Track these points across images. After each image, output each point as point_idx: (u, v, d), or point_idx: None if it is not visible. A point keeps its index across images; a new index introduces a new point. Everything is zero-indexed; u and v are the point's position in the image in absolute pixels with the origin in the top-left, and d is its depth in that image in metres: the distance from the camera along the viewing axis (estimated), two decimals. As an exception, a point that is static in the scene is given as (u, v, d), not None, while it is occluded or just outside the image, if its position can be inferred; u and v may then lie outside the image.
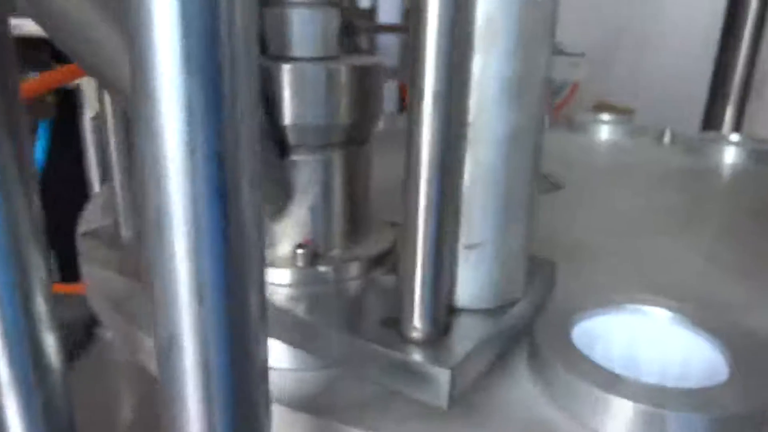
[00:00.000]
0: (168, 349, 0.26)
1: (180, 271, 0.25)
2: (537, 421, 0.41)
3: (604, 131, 1.29)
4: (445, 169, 0.37)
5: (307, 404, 0.42)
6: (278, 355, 0.44)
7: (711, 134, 1.27)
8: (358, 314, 0.43)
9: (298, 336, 0.42)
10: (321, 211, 0.46)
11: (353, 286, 0.46)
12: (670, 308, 0.49)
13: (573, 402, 0.40)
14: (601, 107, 1.43)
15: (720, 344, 0.45)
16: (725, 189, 1.04)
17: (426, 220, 0.37)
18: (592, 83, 1.44)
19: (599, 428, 0.40)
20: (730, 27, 1.42)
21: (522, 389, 0.43)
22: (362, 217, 0.49)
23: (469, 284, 0.42)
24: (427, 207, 0.37)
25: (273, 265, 0.46)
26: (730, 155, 1.13)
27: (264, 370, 0.29)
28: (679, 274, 0.65)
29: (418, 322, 0.39)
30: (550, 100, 1.35)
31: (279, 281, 0.45)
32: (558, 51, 1.34)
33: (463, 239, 0.41)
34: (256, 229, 0.26)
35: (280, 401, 0.42)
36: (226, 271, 0.25)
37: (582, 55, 1.30)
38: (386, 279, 0.46)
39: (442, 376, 0.37)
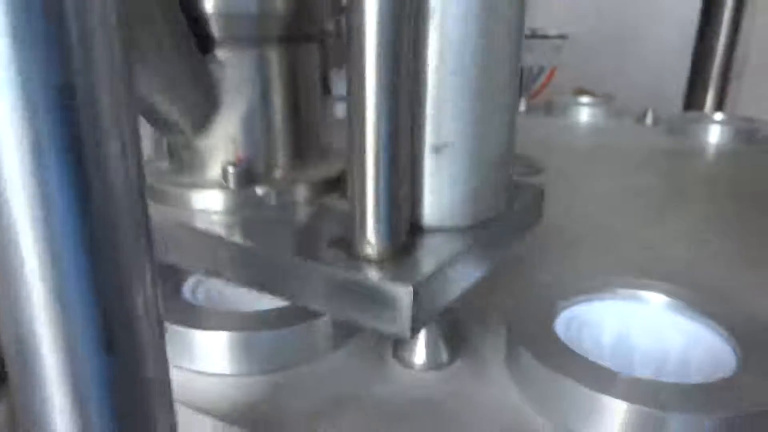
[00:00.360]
0: (17, 355, 0.18)
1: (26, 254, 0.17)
2: (512, 427, 0.33)
3: (584, 114, 1.22)
4: (396, 42, 0.29)
5: (245, 416, 0.34)
6: (209, 357, 0.36)
7: (694, 114, 1.21)
8: (304, 238, 0.35)
9: (231, 265, 0.34)
10: (256, 123, 0.38)
11: (300, 211, 0.38)
12: (667, 293, 0.41)
13: (557, 404, 0.33)
14: (579, 94, 1.37)
15: (726, 333, 0.38)
16: (711, 169, 0.98)
17: (377, 109, 0.29)
18: (571, 71, 1.38)
19: (584, 431, 0.32)
20: (709, 11, 1.37)
21: (499, 391, 0.36)
22: (310, 133, 0.41)
23: (438, 197, 0.34)
24: (378, 91, 0.29)
25: (203, 187, 0.37)
26: (714, 135, 1.07)
27: (160, 379, 0.22)
28: (670, 257, 0.58)
29: (372, 236, 0.30)
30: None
31: (211, 206, 0.37)
32: (540, 35, 1.28)
33: (430, 138, 0.33)
34: (133, 194, 0.18)
35: (213, 412, 0.34)
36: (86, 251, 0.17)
37: (564, 37, 1.24)
38: (339, 203, 0.38)
39: (403, 295, 0.29)
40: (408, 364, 0.38)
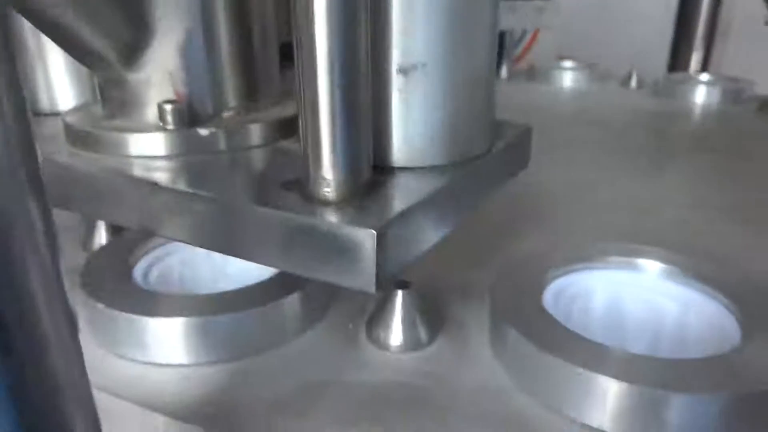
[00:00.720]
0: None
1: None
2: (502, 414, 0.30)
3: (568, 79, 1.17)
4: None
5: (200, 411, 0.30)
6: (162, 347, 0.33)
7: (679, 75, 1.16)
8: (254, 182, 0.29)
9: (169, 217, 0.28)
10: (197, 53, 0.32)
11: (251, 155, 0.32)
12: (662, 259, 0.38)
13: (547, 385, 0.30)
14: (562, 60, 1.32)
15: (727, 301, 0.35)
16: (699, 130, 0.94)
17: (328, 16, 0.23)
18: (553, 35, 1.33)
19: (578, 417, 0.29)
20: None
21: (484, 372, 0.32)
22: (265, 70, 0.35)
23: (408, 131, 0.29)
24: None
25: (140, 130, 0.32)
26: (700, 95, 1.02)
27: (73, 382, 0.17)
28: (662, 220, 0.54)
29: (328, 173, 0.25)
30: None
31: (149, 151, 0.31)
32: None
33: (396, 58, 0.27)
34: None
35: (165, 409, 0.30)
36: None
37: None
38: (296, 146, 0.32)
39: (365, 239, 0.23)
40: (383, 346, 0.34)
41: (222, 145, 0.32)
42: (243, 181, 0.29)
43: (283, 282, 0.34)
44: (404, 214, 0.25)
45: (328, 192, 0.25)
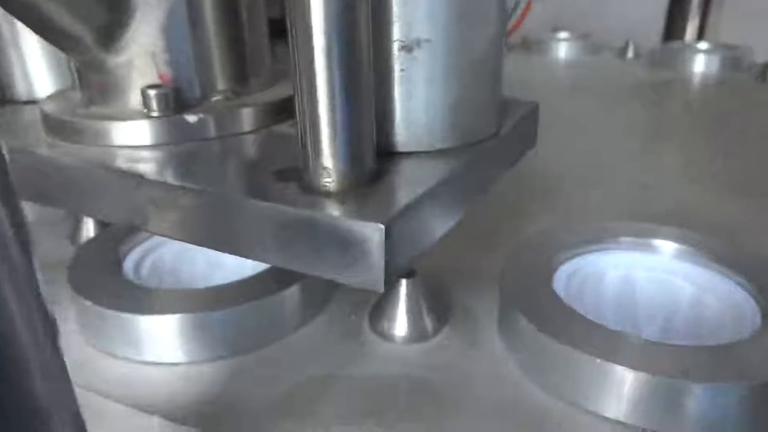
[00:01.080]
0: None
1: None
2: (513, 407, 0.28)
3: (562, 50, 1.14)
4: None
5: (197, 412, 0.28)
6: (157, 345, 0.31)
7: (676, 44, 1.13)
8: (247, 172, 0.27)
9: (156, 211, 0.26)
10: (181, 32, 0.29)
11: (244, 142, 0.30)
12: (677, 239, 0.36)
13: (559, 375, 0.28)
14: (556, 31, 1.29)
15: (745, 282, 0.33)
16: (699, 99, 0.91)
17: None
18: (547, 6, 1.29)
19: (594, 408, 0.27)
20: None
21: (493, 362, 0.31)
22: (256, 50, 0.32)
23: (413, 113, 0.26)
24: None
25: (122, 118, 0.29)
26: (699, 64, 0.99)
27: (56, 399, 0.15)
28: (671, 196, 0.51)
29: (328, 161, 0.23)
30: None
31: (132, 140, 0.29)
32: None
33: (399, 34, 0.25)
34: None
35: (161, 410, 0.28)
36: None
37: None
38: (292, 130, 0.30)
39: (372, 234, 0.21)
40: (388, 337, 0.32)
41: (212, 131, 0.29)
42: (235, 171, 0.27)
43: (281, 273, 0.32)
44: (412, 205, 0.23)
45: (328, 182, 0.23)
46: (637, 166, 0.59)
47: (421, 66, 0.25)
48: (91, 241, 0.39)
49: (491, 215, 0.45)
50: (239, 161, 0.28)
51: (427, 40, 0.25)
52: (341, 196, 0.23)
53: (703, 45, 1.05)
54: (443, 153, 0.27)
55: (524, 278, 0.32)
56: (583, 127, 0.74)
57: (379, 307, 0.33)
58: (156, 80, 0.29)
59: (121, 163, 0.27)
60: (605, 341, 0.27)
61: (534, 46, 1.15)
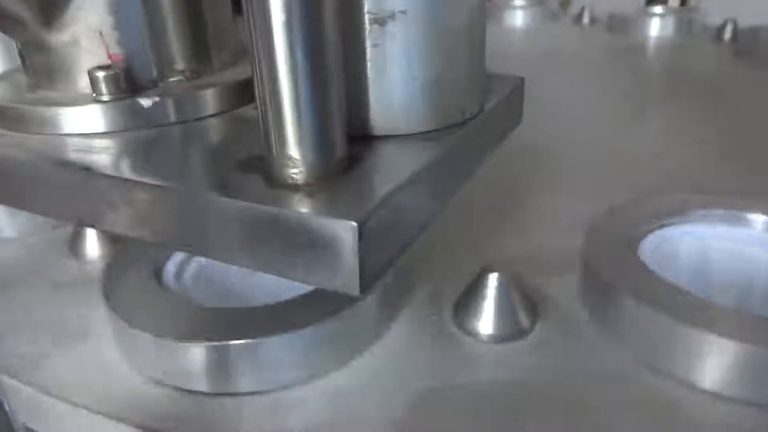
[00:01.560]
0: None
1: None
2: (639, 397, 0.26)
3: (518, 17, 1.10)
4: None
5: None
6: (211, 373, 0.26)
7: (632, 9, 1.10)
8: (207, 162, 0.24)
9: (106, 208, 0.23)
10: (131, 5, 0.26)
11: (205, 126, 0.27)
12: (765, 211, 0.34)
13: (676, 356, 0.26)
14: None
15: None
16: (666, 62, 0.89)
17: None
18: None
19: (693, 379, 0.26)
20: None
21: (598, 350, 0.28)
22: (219, 25, 0.29)
23: (389, 92, 0.23)
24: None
25: (68, 103, 0.26)
26: (655, 28, 0.98)
27: None
28: (689, 164, 0.49)
29: (295, 151, 0.20)
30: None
31: (81, 128, 0.26)
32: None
33: (371, 6, 0.22)
34: None
35: None
36: None
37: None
38: (256, 113, 0.27)
39: (343, 233, 0.18)
40: (482, 338, 0.29)
41: (169, 116, 0.26)
42: (194, 162, 0.24)
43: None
44: (390, 197, 0.20)
45: (295, 174, 0.20)
46: (635, 133, 0.57)
47: (397, 41, 0.22)
48: (124, 248, 0.34)
49: (513, 195, 0.43)
50: (199, 150, 0.25)
51: (402, 12, 0.22)
52: (309, 189, 0.20)
53: (657, 9, 1.02)
54: (424, 136, 0.24)
55: (609, 256, 0.30)
56: (562, 98, 0.71)
57: (466, 304, 0.30)
58: (105, 61, 0.26)
59: (67, 153, 0.24)
60: (699, 311, 0.26)
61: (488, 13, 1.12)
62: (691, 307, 0.26)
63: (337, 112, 0.20)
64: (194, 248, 0.22)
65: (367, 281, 0.19)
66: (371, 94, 0.23)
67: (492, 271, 0.29)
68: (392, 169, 0.21)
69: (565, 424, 0.25)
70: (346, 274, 0.19)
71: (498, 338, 0.29)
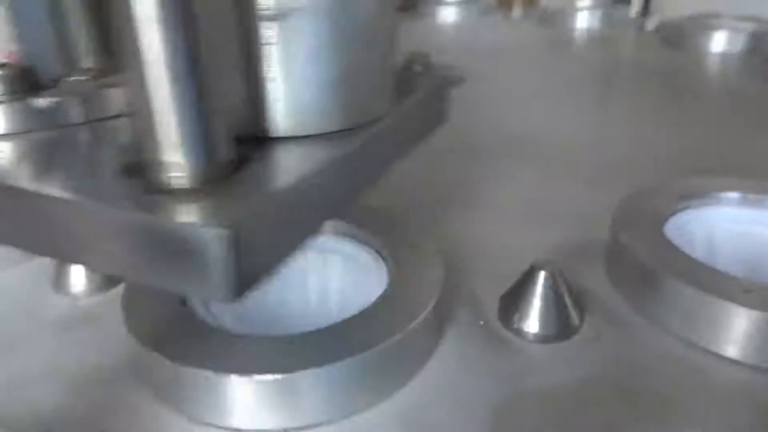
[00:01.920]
0: None
1: None
2: (702, 384, 0.26)
3: (451, 13, 1.10)
4: None
5: None
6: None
7: (560, 2, 1.10)
8: (92, 166, 0.23)
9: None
10: (33, 2, 0.25)
11: (107, 128, 0.25)
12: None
13: (696, 327, 0.27)
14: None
15: None
16: (597, 54, 0.90)
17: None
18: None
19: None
20: None
21: (652, 340, 0.28)
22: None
23: (288, 91, 0.22)
24: None
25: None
26: (582, 21, 1.01)
27: None
28: (683, 145, 0.50)
29: (172, 155, 0.19)
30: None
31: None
32: None
33: (262, 2, 0.21)
34: None
35: None
36: None
37: None
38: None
39: (213, 242, 0.17)
40: (535, 338, 0.29)
41: (71, 117, 0.25)
42: (80, 166, 0.23)
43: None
44: (270, 202, 0.19)
45: (174, 178, 0.19)
46: (615, 122, 0.57)
47: (295, 39, 0.21)
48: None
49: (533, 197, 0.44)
50: (91, 153, 0.23)
51: (298, 9, 0.21)
52: (188, 195, 0.19)
53: (585, 2, 1.03)
54: (327, 137, 0.23)
55: (641, 242, 0.30)
56: (515, 92, 0.70)
57: (514, 306, 0.29)
58: (2, 59, 0.25)
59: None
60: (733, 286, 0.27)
61: (420, 11, 1.12)
62: (736, 287, 0.27)
63: (221, 111, 0.19)
64: (74, 257, 0.20)
65: (242, 287, 0.18)
66: (271, 95, 0.22)
67: (540, 268, 0.29)
68: (280, 173, 0.20)
69: (644, 412, 0.25)
70: (218, 282, 0.18)
71: (550, 338, 0.29)
